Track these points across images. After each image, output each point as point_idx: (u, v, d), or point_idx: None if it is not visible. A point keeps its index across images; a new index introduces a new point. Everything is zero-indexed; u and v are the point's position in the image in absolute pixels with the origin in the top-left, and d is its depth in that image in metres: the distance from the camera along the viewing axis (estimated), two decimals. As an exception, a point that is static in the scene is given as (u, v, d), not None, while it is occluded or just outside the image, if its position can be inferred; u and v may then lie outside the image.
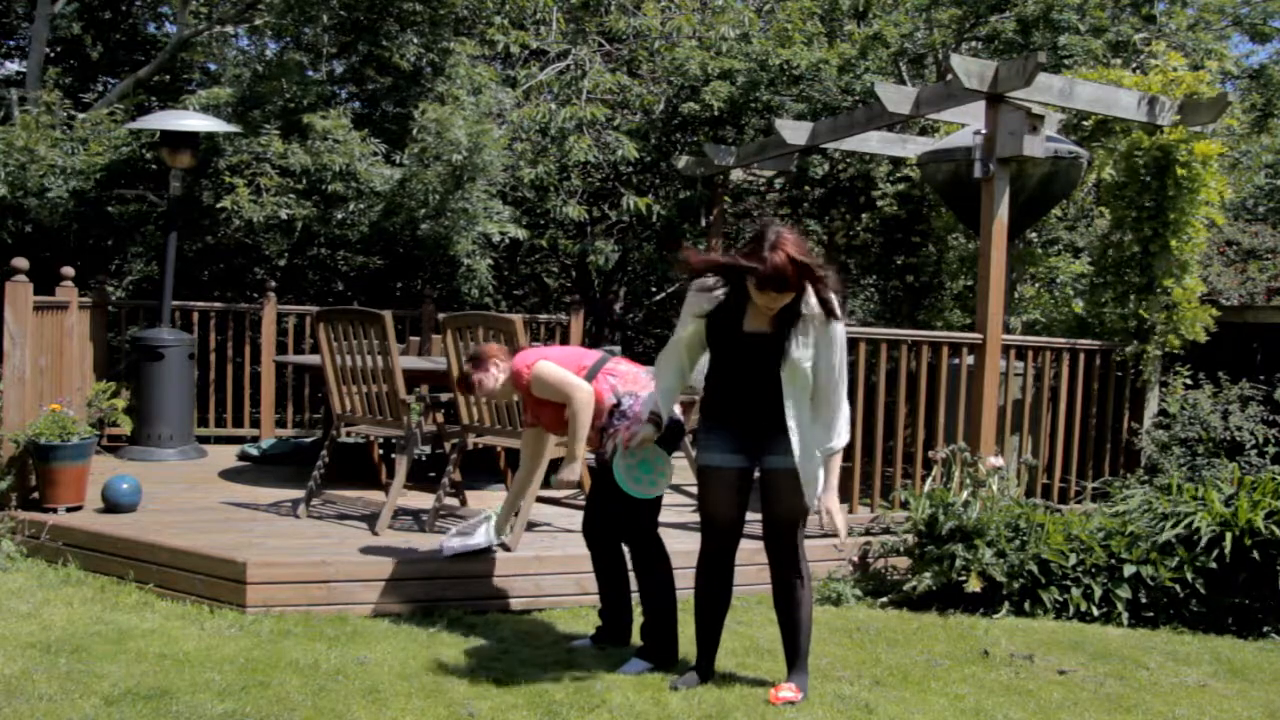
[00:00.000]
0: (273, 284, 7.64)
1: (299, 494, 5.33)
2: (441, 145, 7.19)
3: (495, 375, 4.03)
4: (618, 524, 3.83)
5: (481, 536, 4.39)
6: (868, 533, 5.15)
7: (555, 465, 4.67)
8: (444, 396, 5.65)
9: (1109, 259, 6.18)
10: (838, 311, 3.26)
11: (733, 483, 3.44)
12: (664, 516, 3.90)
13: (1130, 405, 6.14)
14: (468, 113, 7.40)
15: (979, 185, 5.59)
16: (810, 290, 3.21)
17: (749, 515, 3.54)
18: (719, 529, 3.50)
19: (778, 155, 7.57)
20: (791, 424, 3.31)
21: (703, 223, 8.76)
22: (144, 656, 3.65)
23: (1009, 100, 5.38)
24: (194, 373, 6.96)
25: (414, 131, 7.36)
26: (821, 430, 3.34)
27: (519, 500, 4.41)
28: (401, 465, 4.92)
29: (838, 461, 3.43)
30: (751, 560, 3.95)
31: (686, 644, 3.73)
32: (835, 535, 3.50)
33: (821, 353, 3.28)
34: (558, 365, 3.82)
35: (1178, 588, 4.53)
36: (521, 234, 7.97)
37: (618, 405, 3.80)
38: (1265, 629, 4.48)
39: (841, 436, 3.38)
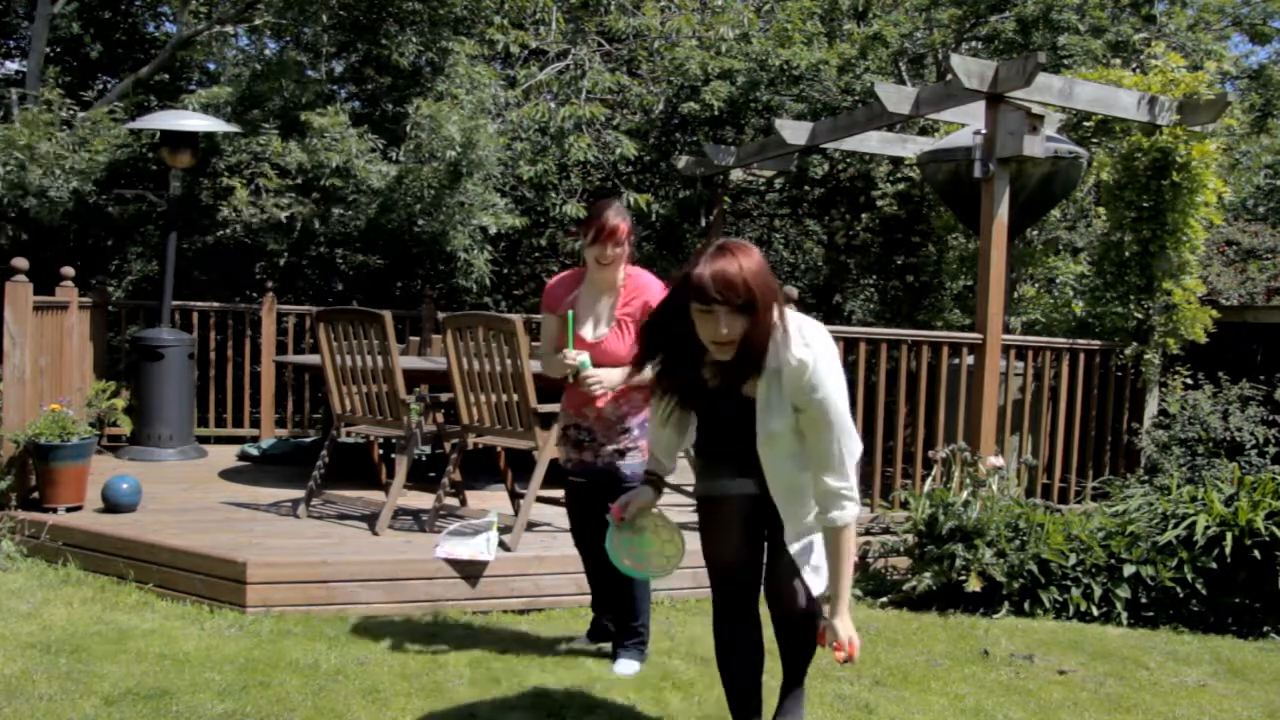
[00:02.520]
0: (271, 284, 7.65)
1: (299, 494, 5.33)
2: (436, 141, 7.19)
3: (630, 254, 3.58)
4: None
5: (480, 545, 4.38)
6: (868, 533, 5.16)
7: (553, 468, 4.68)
8: (444, 396, 5.65)
9: (1109, 259, 6.19)
10: (794, 345, 2.53)
11: (740, 514, 2.76)
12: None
13: (1130, 405, 6.14)
14: (465, 109, 7.40)
15: (979, 185, 5.59)
16: (773, 328, 2.50)
17: None
18: (728, 572, 2.82)
19: (778, 155, 7.58)
20: (780, 501, 2.66)
21: (703, 222, 8.76)
22: (144, 656, 3.65)
23: (1009, 100, 5.38)
24: (194, 373, 6.95)
25: (408, 128, 7.36)
26: (820, 493, 2.59)
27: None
28: (401, 465, 4.92)
29: (850, 546, 2.59)
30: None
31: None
32: (841, 650, 2.59)
33: (804, 408, 2.55)
34: None
35: (1178, 588, 4.53)
36: (518, 223, 7.96)
37: (637, 417, 3.55)
38: (1265, 629, 4.48)
39: (847, 503, 2.57)
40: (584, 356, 3.47)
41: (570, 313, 3.58)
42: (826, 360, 2.55)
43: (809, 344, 2.54)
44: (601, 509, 3.57)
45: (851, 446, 2.58)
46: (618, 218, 3.48)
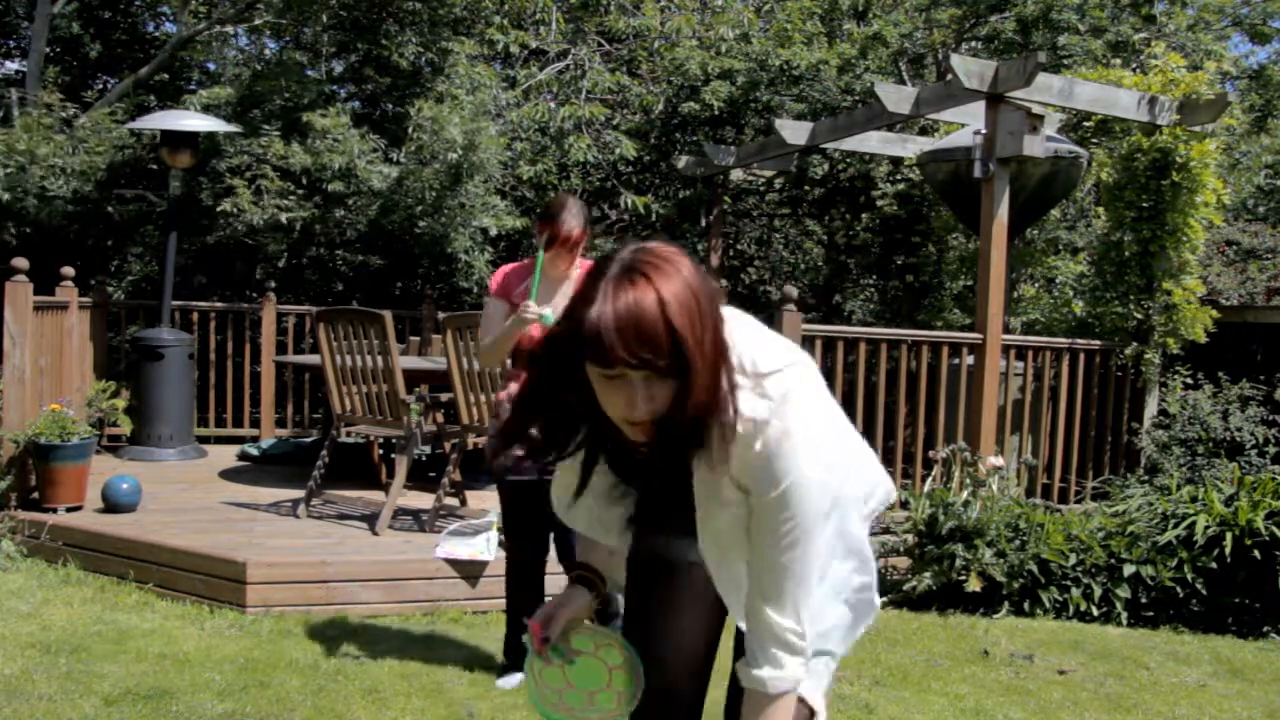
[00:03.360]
0: (272, 284, 7.65)
1: (299, 494, 5.33)
2: (438, 143, 7.20)
3: (575, 264, 3.43)
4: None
5: (480, 545, 4.38)
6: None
7: None
8: (444, 396, 5.65)
9: (1109, 259, 6.19)
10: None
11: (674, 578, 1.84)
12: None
13: (1130, 405, 6.14)
14: (465, 110, 7.40)
15: (979, 185, 5.59)
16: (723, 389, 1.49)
17: None
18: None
19: (778, 155, 7.58)
20: (728, 595, 1.73)
21: (702, 222, 8.76)
22: (144, 656, 3.65)
23: (1009, 100, 5.38)
24: (194, 373, 6.96)
25: (410, 130, 7.36)
26: (753, 627, 1.63)
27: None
28: (401, 465, 4.92)
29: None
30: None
31: None
32: None
33: (753, 492, 1.57)
34: None
35: (1178, 588, 4.53)
36: (519, 224, 7.97)
37: None
38: (1265, 629, 4.48)
39: (789, 659, 1.60)
40: (547, 311, 3.23)
41: (534, 276, 3.37)
42: (800, 423, 1.53)
43: (767, 393, 1.52)
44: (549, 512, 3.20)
45: (809, 597, 1.61)
46: (574, 222, 3.35)
